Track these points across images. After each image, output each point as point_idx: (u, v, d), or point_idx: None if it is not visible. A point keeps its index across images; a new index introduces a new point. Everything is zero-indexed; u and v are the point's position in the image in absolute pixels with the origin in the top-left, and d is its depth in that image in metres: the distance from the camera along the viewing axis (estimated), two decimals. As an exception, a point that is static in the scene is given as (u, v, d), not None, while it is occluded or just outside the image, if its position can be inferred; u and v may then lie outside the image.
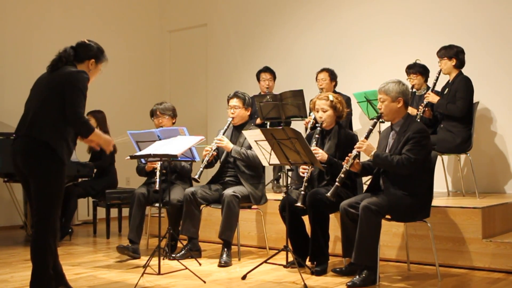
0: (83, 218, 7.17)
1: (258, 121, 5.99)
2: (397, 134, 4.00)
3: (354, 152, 4.00)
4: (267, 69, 6.56)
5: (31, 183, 3.31)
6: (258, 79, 6.57)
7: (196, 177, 4.67)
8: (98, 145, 3.57)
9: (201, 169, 4.72)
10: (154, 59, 8.73)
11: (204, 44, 8.40)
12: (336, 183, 3.97)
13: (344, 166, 4.00)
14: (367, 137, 4.01)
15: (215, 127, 7.08)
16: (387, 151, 4.02)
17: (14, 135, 3.42)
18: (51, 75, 3.41)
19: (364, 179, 4.66)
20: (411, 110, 5.40)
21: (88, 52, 3.53)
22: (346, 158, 4.03)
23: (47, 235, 3.28)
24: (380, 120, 4.17)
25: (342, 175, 3.98)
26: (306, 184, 4.19)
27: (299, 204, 4.11)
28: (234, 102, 4.91)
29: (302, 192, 4.15)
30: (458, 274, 4.20)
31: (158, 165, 4.75)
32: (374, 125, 4.05)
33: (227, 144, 4.80)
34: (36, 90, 3.46)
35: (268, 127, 5.79)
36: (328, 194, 3.96)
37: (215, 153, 4.85)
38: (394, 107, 4.00)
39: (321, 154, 4.23)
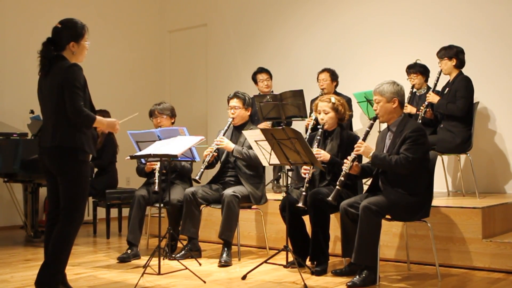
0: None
1: (261, 125, 5.91)
2: (394, 134, 4.00)
3: (353, 154, 4.00)
4: (262, 70, 6.52)
5: (59, 182, 3.42)
6: (255, 81, 6.53)
7: (197, 178, 4.67)
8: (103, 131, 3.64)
9: (202, 170, 4.72)
10: (154, 59, 8.73)
11: (204, 44, 8.40)
12: (337, 187, 3.98)
13: (344, 169, 4.01)
14: (364, 139, 4.02)
15: (215, 127, 7.09)
16: (384, 152, 4.03)
17: (39, 145, 3.52)
18: (47, 78, 3.42)
19: (365, 179, 4.66)
20: (411, 109, 5.42)
21: (64, 37, 3.44)
22: (345, 160, 4.04)
23: (71, 230, 3.40)
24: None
25: (342, 178, 3.99)
26: (307, 185, 4.19)
27: (300, 204, 4.12)
28: (234, 102, 4.91)
29: (304, 193, 4.15)
30: (458, 274, 4.20)
31: (157, 166, 4.76)
32: (370, 127, 4.05)
33: (228, 144, 4.80)
34: (43, 98, 3.50)
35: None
36: (330, 198, 3.96)
37: (215, 153, 4.84)
38: (390, 108, 4.01)
39: (323, 154, 4.23)
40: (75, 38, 3.47)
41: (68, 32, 3.46)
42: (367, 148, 3.97)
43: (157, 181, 4.67)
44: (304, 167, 4.27)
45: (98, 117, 3.47)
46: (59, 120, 3.38)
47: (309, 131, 5.43)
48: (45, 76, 3.44)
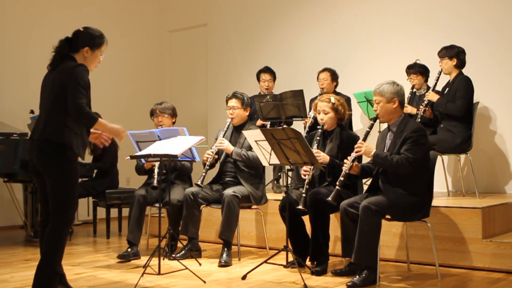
0: (83, 218, 7.17)
1: (259, 122, 5.96)
2: (394, 135, 4.00)
3: (353, 155, 4.00)
4: (267, 70, 6.53)
5: (46, 181, 3.37)
6: (258, 79, 6.56)
7: (199, 182, 4.67)
8: (105, 138, 3.57)
9: (204, 174, 4.71)
10: (154, 59, 8.73)
11: (204, 44, 8.40)
12: (337, 187, 3.98)
13: (343, 169, 4.01)
14: (364, 139, 4.02)
15: (215, 127, 7.08)
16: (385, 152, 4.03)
17: (30, 138, 3.48)
18: (52, 74, 3.44)
19: (365, 179, 4.66)
20: (411, 109, 5.42)
21: (81, 41, 3.46)
22: (345, 160, 4.04)
23: (62, 231, 3.36)
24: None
25: (342, 178, 3.99)
26: (307, 186, 4.19)
27: (300, 207, 4.11)
28: (233, 102, 4.91)
29: (303, 195, 4.14)
30: (458, 274, 4.20)
31: (156, 162, 4.76)
32: (371, 127, 4.05)
33: (228, 146, 4.80)
34: (43, 92, 3.49)
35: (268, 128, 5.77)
36: (329, 198, 3.97)
37: (216, 156, 4.85)
38: (390, 108, 4.01)
39: (322, 156, 4.22)
40: (91, 45, 3.48)
41: (86, 37, 3.48)
42: (368, 147, 3.97)
43: (156, 176, 4.68)
44: (304, 168, 4.26)
45: (102, 120, 3.45)
46: (53, 116, 3.36)
47: (306, 129, 5.43)
48: (51, 72, 3.45)
